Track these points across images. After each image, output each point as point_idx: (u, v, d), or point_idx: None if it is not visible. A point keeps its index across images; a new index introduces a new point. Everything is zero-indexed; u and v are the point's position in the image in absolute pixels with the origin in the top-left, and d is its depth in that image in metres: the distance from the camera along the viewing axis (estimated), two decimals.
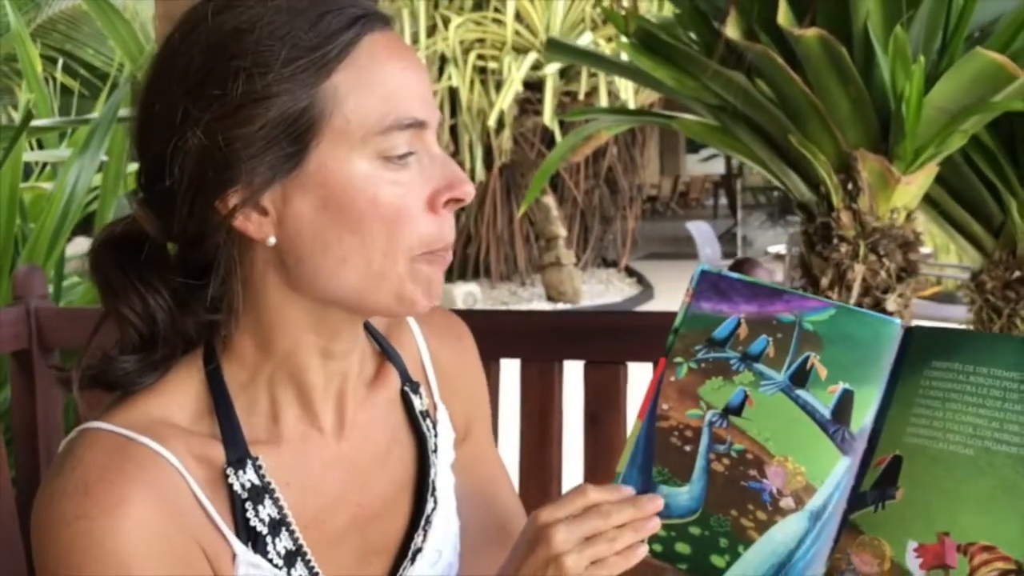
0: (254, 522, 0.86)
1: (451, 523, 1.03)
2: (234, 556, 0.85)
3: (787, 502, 0.83)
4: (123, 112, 2.39)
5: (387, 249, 0.83)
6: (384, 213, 0.82)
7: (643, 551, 0.83)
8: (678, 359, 0.90)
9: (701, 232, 10.80)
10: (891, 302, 2.20)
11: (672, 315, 0.92)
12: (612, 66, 3.97)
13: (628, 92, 10.08)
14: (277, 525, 0.87)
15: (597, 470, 1.50)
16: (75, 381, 0.87)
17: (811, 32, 1.94)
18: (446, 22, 10.67)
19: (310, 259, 0.83)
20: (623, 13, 2.31)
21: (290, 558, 0.88)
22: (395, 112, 0.82)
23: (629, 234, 13.08)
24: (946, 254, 7.78)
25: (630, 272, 12.99)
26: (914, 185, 2.12)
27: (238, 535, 0.85)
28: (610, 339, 1.51)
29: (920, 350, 0.86)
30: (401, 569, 0.96)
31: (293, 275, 0.85)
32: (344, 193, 0.81)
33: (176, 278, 0.85)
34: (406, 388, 1.00)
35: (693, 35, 2.32)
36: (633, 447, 0.88)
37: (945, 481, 0.80)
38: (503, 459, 1.17)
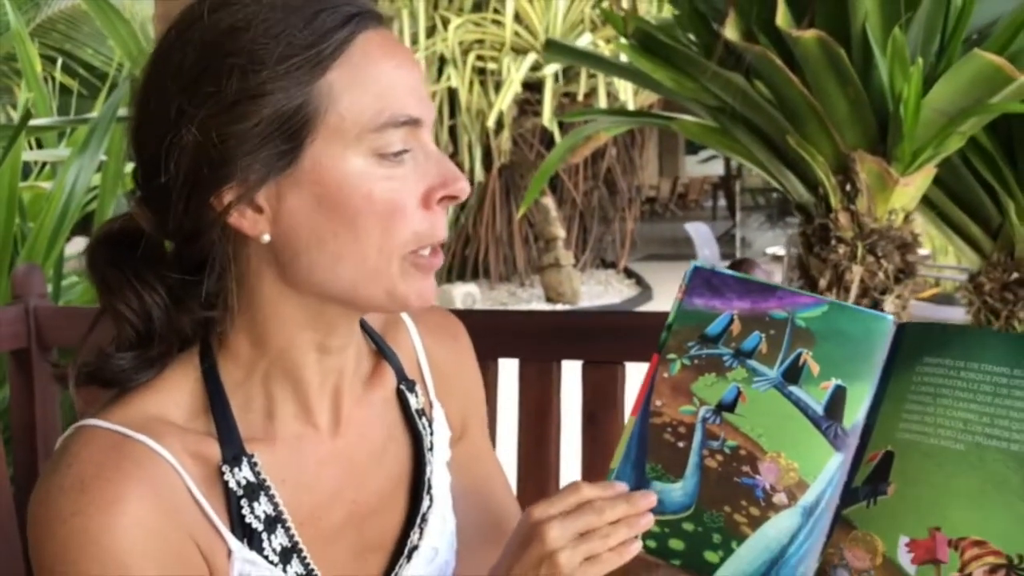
0: (250, 519, 0.86)
1: (447, 521, 1.03)
2: (230, 553, 0.85)
3: (780, 498, 0.84)
4: (122, 112, 2.39)
5: (381, 246, 0.83)
6: (378, 210, 0.82)
7: (636, 547, 0.83)
8: (671, 355, 0.90)
9: (700, 233, 10.82)
10: (889, 303, 2.20)
11: None
12: (611, 67, 3.98)
13: (627, 93, 10.09)
14: (273, 522, 0.87)
15: (595, 469, 1.50)
16: (71, 378, 0.88)
17: (809, 33, 1.94)
18: (445, 23, 10.67)
19: (305, 256, 0.83)
20: (622, 14, 2.32)
21: (286, 555, 0.88)
22: (389, 109, 0.82)
23: (628, 235, 13.08)
24: (944, 256, 7.79)
25: (629, 273, 12.99)
26: (912, 187, 2.12)
27: (234, 532, 0.85)
28: (608, 339, 1.51)
29: (912, 346, 0.86)
30: (397, 567, 0.96)
31: (288, 271, 0.85)
32: (339, 190, 0.82)
33: (172, 275, 0.86)
34: (402, 386, 1.00)
35: (692, 36, 2.33)
36: (627, 443, 0.88)
37: (936, 476, 0.81)
38: (501, 458, 1.17)
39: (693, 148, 21.81)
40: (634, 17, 2.30)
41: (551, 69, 10.39)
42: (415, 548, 0.98)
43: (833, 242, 2.17)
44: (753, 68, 2.11)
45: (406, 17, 10.28)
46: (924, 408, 0.83)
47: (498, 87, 10.52)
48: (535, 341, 1.55)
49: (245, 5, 0.82)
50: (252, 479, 0.87)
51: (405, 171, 0.84)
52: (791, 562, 0.82)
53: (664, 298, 11.09)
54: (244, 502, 0.86)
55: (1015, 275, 2.33)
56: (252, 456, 0.87)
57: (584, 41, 10.30)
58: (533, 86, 10.78)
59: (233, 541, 0.85)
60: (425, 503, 0.99)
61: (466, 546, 1.05)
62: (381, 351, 1.00)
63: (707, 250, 10.43)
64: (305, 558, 0.89)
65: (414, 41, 10.27)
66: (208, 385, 0.88)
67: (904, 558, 0.80)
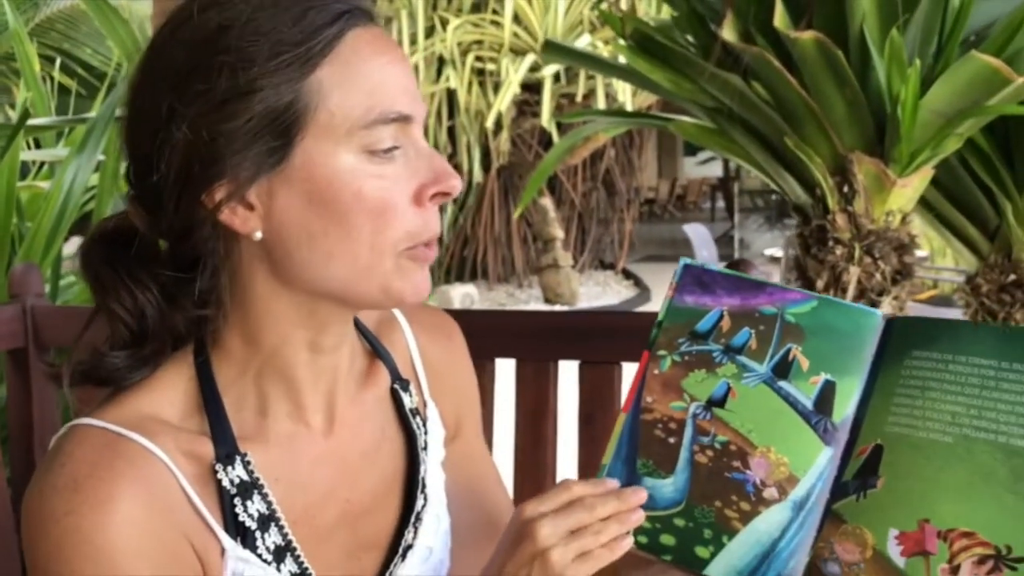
0: (243, 517, 0.86)
1: (441, 520, 1.03)
2: (223, 551, 0.85)
3: (770, 492, 0.84)
4: (120, 111, 2.38)
5: (373, 243, 0.83)
6: (369, 207, 0.82)
7: (628, 543, 0.83)
8: (662, 352, 0.90)
9: (698, 235, 10.82)
10: (886, 304, 2.21)
11: None
12: (610, 68, 3.98)
13: (626, 94, 10.10)
14: (266, 520, 0.87)
15: (591, 469, 1.49)
16: (65, 377, 0.88)
17: (807, 35, 1.95)
18: (444, 24, 10.68)
19: (297, 253, 0.84)
20: (620, 15, 2.32)
21: (279, 553, 0.88)
22: (379, 106, 0.82)
23: (626, 236, 13.08)
24: (942, 257, 7.79)
25: (627, 274, 12.99)
26: (909, 188, 2.13)
27: (227, 530, 0.86)
28: (605, 339, 1.51)
29: (900, 340, 0.86)
30: (392, 566, 0.96)
31: (280, 269, 0.85)
32: (329, 187, 0.82)
33: (165, 273, 0.86)
34: (396, 386, 1.00)
35: (690, 38, 2.33)
36: (618, 440, 0.89)
37: (925, 469, 0.81)
38: (498, 458, 1.17)
39: (692, 149, 21.82)
40: (632, 18, 2.31)
41: (550, 70, 10.40)
42: (409, 547, 0.98)
43: (830, 243, 2.17)
44: (751, 69, 2.11)
45: (405, 18, 10.28)
46: (913, 401, 0.83)
47: (497, 88, 10.53)
48: (532, 341, 1.55)
49: (234, 4, 0.82)
50: (245, 478, 0.87)
51: (396, 168, 0.84)
52: (782, 556, 0.82)
53: (662, 299, 11.08)
54: (237, 500, 0.86)
55: (1012, 277, 2.34)
56: (245, 455, 0.87)
57: (583, 42, 10.31)
58: (532, 87, 10.78)
59: (227, 539, 0.85)
60: (419, 502, 0.99)
61: (460, 545, 1.05)
62: (375, 350, 1.00)
63: (705, 251, 10.42)
64: (299, 557, 0.89)
65: (413, 42, 10.28)
66: (201, 384, 0.88)
67: (894, 550, 0.80)
